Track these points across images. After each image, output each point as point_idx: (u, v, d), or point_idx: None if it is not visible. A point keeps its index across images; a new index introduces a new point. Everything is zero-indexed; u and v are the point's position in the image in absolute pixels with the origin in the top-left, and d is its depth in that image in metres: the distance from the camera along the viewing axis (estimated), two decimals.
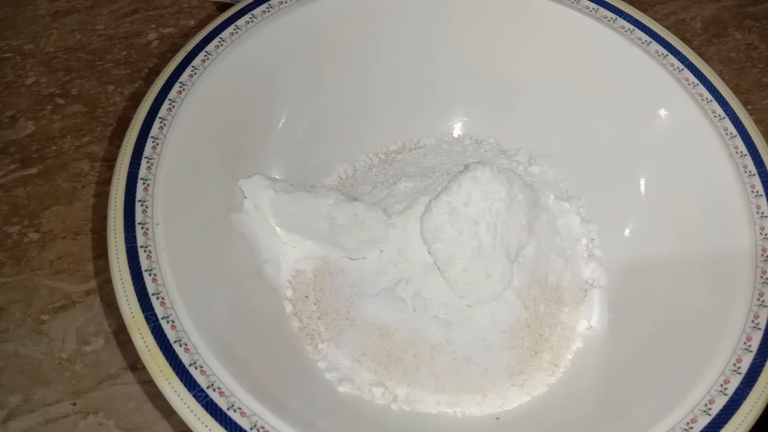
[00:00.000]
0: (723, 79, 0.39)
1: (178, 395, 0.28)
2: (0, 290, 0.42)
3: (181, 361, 0.29)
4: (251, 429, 0.28)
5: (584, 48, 0.42)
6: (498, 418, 0.36)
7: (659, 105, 0.40)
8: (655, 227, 0.40)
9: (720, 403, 0.29)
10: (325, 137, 0.45)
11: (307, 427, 0.29)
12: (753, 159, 0.36)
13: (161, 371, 0.29)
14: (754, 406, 0.29)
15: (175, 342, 0.29)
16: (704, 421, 0.29)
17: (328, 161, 0.45)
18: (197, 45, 0.38)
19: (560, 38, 0.42)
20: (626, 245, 0.41)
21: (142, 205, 0.33)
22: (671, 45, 0.40)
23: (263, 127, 0.42)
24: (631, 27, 0.41)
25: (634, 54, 0.41)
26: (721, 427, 0.29)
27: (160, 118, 0.35)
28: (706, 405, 0.29)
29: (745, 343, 0.31)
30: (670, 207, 0.39)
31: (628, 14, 0.41)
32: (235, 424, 0.28)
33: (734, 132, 0.37)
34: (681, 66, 0.40)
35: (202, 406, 0.28)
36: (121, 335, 0.40)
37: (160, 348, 0.29)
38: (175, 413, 0.28)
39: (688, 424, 0.29)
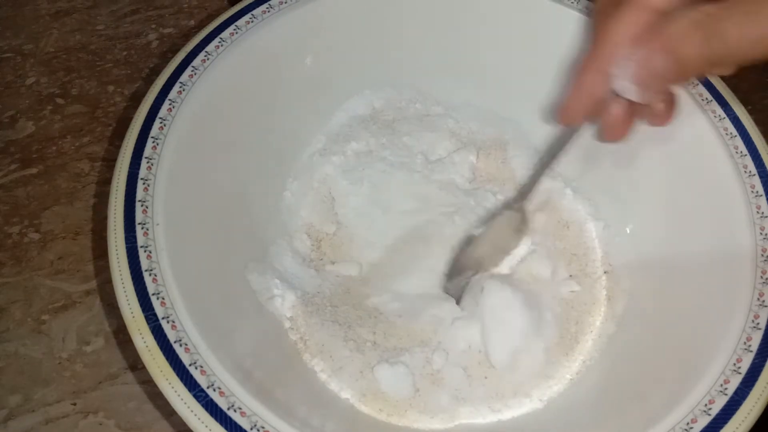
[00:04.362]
0: (723, 79, 0.39)
1: (178, 395, 0.28)
2: (0, 290, 0.42)
3: (181, 361, 0.29)
4: (251, 429, 0.28)
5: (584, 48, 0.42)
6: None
7: None
8: (656, 227, 0.40)
9: (720, 403, 0.29)
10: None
11: (308, 427, 0.29)
12: (753, 159, 0.36)
13: (161, 371, 0.29)
14: (754, 406, 0.29)
15: (175, 342, 0.29)
16: (704, 421, 0.29)
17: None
18: (197, 45, 0.38)
19: (560, 38, 0.42)
20: (627, 245, 0.41)
21: (142, 205, 0.33)
22: None
23: (263, 126, 0.42)
24: None
25: None
26: (721, 427, 0.29)
27: (160, 118, 0.35)
28: (706, 405, 0.29)
29: (745, 343, 0.31)
30: (670, 207, 0.39)
31: None
32: (235, 424, 0.28)
33: (734, 132, 0.37)
34: None
35: (202, 406, 0.28)
36: (121, 335, 0.40)
37: (160, 348, 0.29)
38: (175, 413, 0.28)
39: (688, 424, 0.29)
